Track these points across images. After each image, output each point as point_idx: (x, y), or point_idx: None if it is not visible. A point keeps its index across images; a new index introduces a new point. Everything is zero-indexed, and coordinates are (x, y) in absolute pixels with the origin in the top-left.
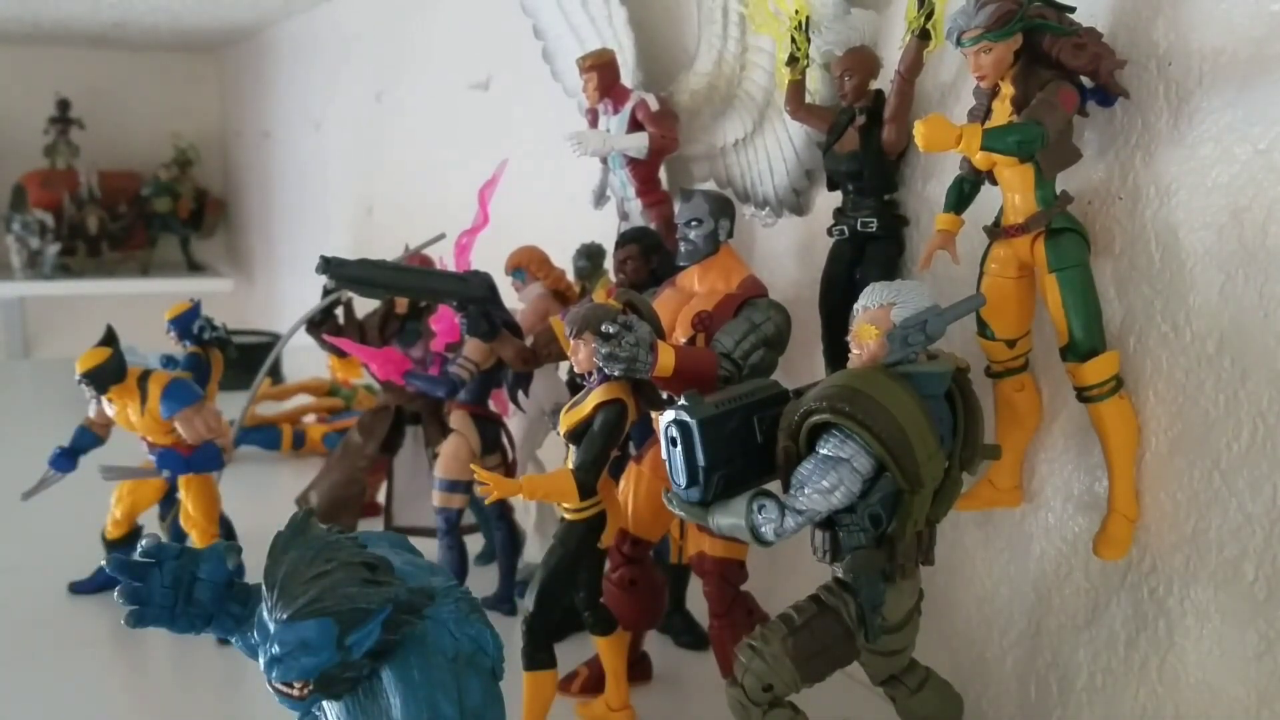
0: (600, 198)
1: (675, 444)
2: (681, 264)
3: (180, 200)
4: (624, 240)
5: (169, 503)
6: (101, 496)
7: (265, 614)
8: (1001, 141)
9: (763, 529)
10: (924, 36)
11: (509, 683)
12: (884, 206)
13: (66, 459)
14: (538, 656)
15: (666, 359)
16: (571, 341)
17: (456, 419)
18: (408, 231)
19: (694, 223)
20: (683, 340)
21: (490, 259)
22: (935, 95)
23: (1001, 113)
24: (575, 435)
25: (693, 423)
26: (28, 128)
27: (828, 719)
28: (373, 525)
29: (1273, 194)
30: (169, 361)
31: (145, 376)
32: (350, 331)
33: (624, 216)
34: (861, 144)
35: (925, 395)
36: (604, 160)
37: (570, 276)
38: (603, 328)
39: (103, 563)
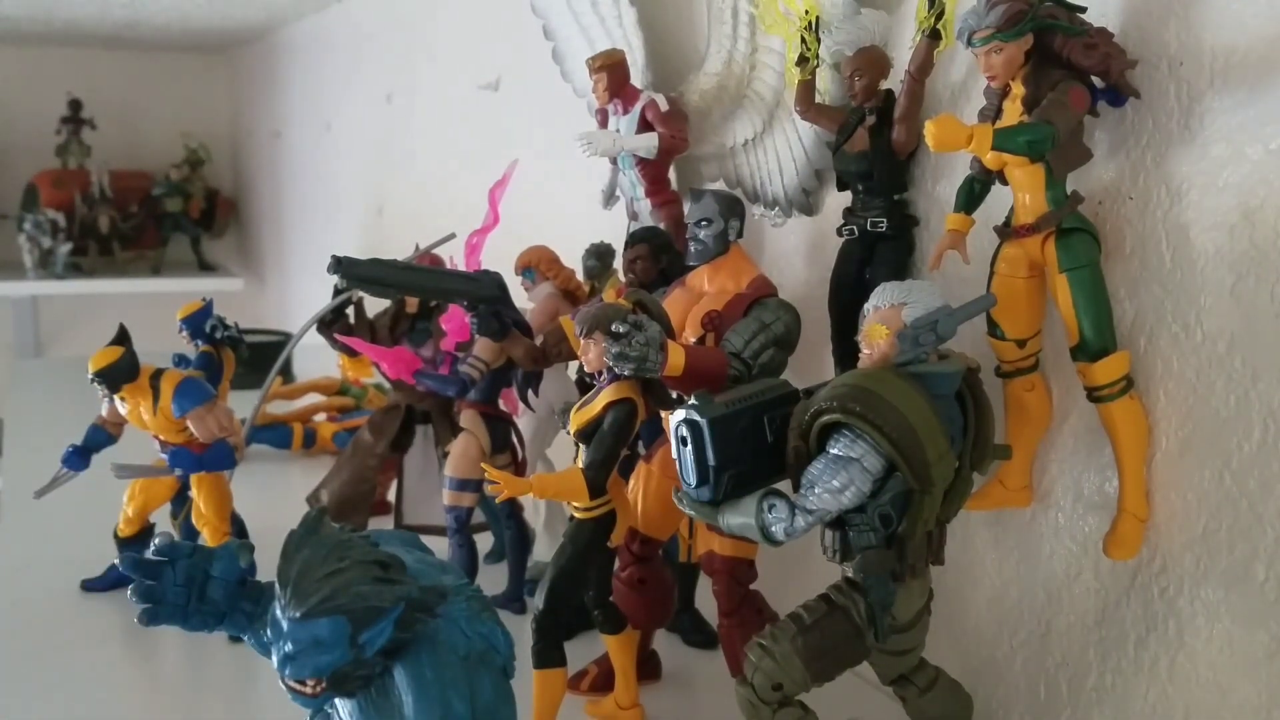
0: (609, 198)
1: (685, 443)
2: (691, 264)
3: (191, 200)
4: (633, 240)
5: (181, 501)
6: (114, 495)
7: (278, 612)
8: (1012, 141)
9: (773, 528)
10: (934, 36)
11: (519, 681)
12: (894, 206)
13: (79, 457)
14: (547, 654)
15: (676, 358)
16: (581, 341)
17: (466, 418)
18: (418, 231)
19: (704, 222)
20: (692, 340)
21: (500, 259)
22: (946, 95)
23: (1012, 113)
24: (585, 434)
25: (703, 422)
26: (39, 128)
27: (837, 718)
28: (383, 523)
29: None
30: (181, 360)
31: (158, 375)
32: (361, 331)
33: (633, 216)
34: (871, 144)
35: (936, 395)
36: (613, 160)
37: (580, 276)
38: (613, 327)
39: (115, 561)
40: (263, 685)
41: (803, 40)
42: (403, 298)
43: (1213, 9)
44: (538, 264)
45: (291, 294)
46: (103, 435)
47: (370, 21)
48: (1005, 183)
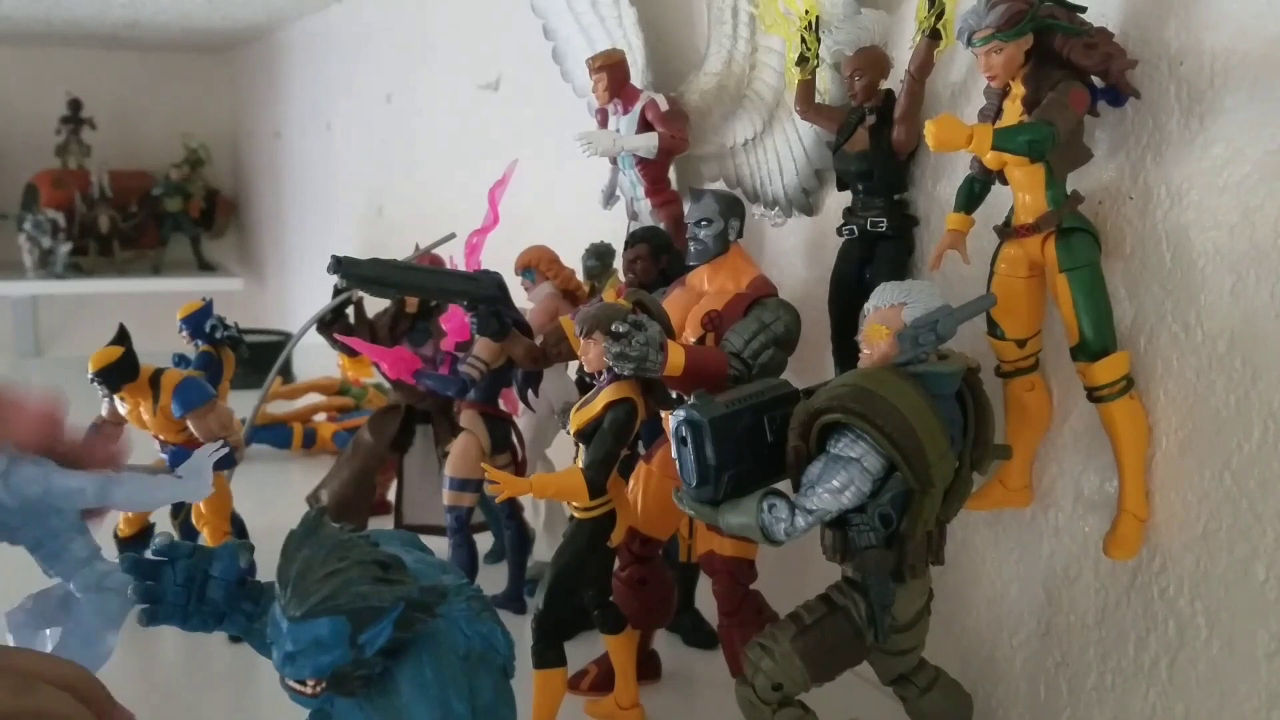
0: (609, 198)
1: (685, 443)
2: (691, 264)
3: (191, 200)
4: (633, 240)
5: (180, 501)
6: None
7: (278, 612)
8: (1012, 141)
9: (773, 528)
10: (934, 36)
11: (518, 681)
12: (894, 206)
13: None
14: (547, 655)
15: (676, 358)
16: (581, 341)
17: (466, 418)
18: (418, 231)
19: (704, 222)
20: (692, 340)
21: (500, 259)
22: (946, 95)
23: (1012, 113)
24: (585, 434)
25: (703, 422)
26: (39, 127)
27: (837, 719)
28: (383, 523)
29: None
30: (181, 360)
31: (158, 375)
32: (361, 330)
33: (633, 216)
34: (871, 144)
35: (936, 395)
36: (613, 160)
37: (580, 276)
38: (613, 327)
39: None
40: (262, 685)
41: (803, 40)
42: (403, 298)
43: (1213, 9)
44: (538, 264)
45: (291, 294)
46: None
47: (370, 21)
48: (1005, 183)
